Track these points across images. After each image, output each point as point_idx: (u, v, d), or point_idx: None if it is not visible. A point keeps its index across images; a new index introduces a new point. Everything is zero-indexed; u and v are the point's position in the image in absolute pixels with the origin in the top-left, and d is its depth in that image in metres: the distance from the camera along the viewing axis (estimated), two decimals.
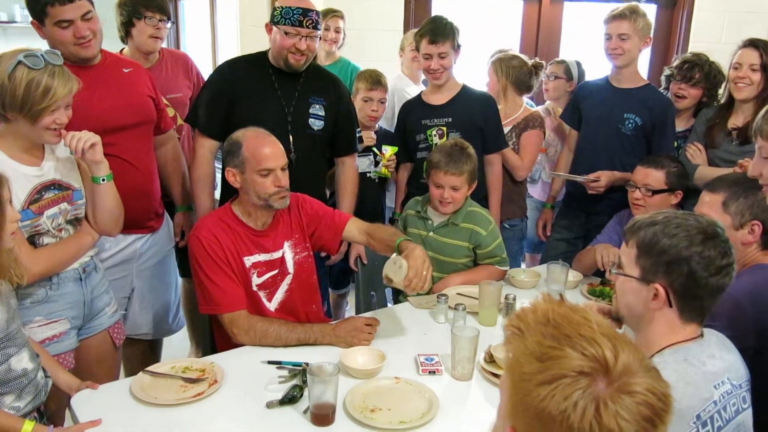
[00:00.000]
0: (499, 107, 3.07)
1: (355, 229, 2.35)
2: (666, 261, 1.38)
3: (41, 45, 2.21)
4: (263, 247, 2.21)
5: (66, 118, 1.87)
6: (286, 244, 2.26)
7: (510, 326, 0.94)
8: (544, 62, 3.40)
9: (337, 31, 3.82)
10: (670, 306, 1.38)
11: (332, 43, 3.83)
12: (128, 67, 2.44)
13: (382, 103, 3.14)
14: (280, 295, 2.26)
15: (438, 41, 2.78)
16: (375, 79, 3.11)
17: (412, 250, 2.05)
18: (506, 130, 3.12)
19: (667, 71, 3.16)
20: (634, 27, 2.81)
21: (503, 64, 3.22)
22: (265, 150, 2.11)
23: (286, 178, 2.15)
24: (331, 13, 3.79)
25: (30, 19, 2.24)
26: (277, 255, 2.23)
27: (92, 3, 2.24)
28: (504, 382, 0.94)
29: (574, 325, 0.88)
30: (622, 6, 2.85)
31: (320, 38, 2.55)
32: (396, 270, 1.96)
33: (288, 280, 2.27)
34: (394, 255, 2.04)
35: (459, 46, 2.87)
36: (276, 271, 2.23)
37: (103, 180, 1.99)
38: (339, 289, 3.47)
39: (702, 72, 2.98)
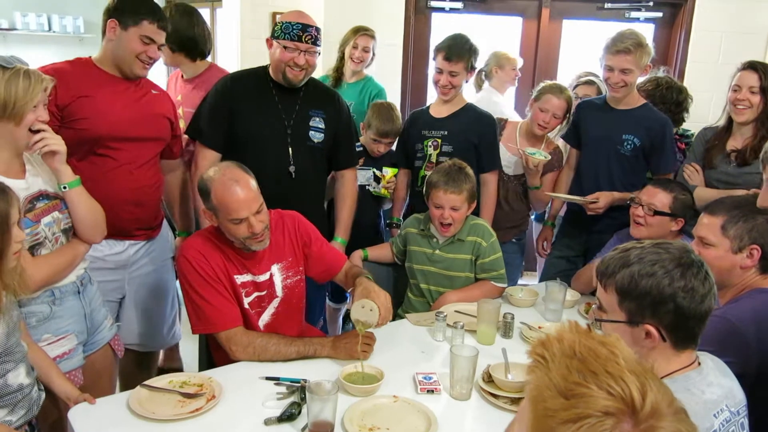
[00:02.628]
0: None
1: (343, 270, 2.37)
2: (650, 303, 1.36)
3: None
4: (249, 269, 2.17)
5: (46, 115, 1.88)
6: (275, 267, 2.22)
7: (534, 354, 0.92)
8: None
9: (366, 50, 3.66)
10: (664, 340, 1.37)
11: (359, 62, 3.67)
12: (156, 90, 2.57)
13: (390, 144, 3.17)
14: (266, 317, 2.24)
15: (452, 60, 2.82)
16: (387, 131, 3.10)
17: (369, 288, 2.07)
18: None
19: None
20: (638, 62, 2.77)
21: None
22: (234, 199, 2.00)
23: (262, 220, 2.07)
24: (362, 31, 3.64)
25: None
26: (263, 278, 2.20)
27: None
28: (525, 411, 0.91)
29: (602, 361, 0.86)
30: (626, 38, 2.77)
31: (319, 53, 2.54)
32: (368, 313, 2.01)
33: (275, 303, 2.24)
34: (359, 301, 2.03)
35: (473, 67, 2.90)
36: (264, 293, 2.21)
37: (65, 188, 1.96)
38: (337, 302, 3.46)
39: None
